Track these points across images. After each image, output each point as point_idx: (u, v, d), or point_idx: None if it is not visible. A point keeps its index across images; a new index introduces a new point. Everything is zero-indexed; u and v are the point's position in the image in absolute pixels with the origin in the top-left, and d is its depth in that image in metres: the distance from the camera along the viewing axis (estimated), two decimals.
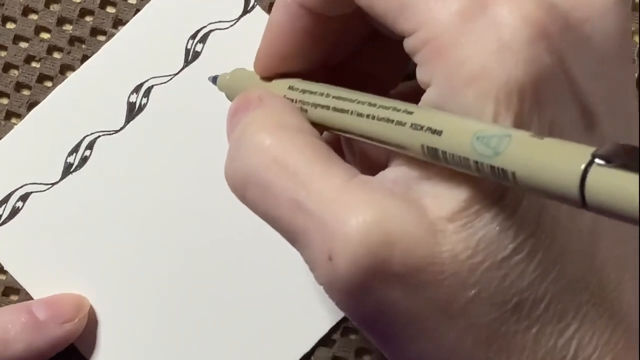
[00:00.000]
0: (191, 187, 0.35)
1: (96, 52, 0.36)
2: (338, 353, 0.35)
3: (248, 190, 0.22)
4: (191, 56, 0.35)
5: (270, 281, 0.34)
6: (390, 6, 0.21)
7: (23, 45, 0.36)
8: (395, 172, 0.20)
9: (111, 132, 0.35)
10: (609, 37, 0.21)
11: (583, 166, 0.16)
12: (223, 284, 0.35)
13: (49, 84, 0.36)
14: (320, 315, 0.34)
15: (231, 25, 0.35)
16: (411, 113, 0.20)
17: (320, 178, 0.20)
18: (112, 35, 0.36)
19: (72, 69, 0.36)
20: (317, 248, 0.19)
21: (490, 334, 0.19)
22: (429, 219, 0.19)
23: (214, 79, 0.29)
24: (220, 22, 0.35)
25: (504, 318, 0.19)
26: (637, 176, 0.15)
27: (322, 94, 0.23)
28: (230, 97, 0.28)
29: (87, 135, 0.35)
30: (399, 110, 0.20)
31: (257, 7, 0.35)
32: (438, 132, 0.19)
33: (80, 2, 0.36)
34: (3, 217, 0.35)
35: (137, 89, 0.35)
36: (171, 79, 0.35)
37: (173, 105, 0.35)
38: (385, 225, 0.19)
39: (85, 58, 0.36)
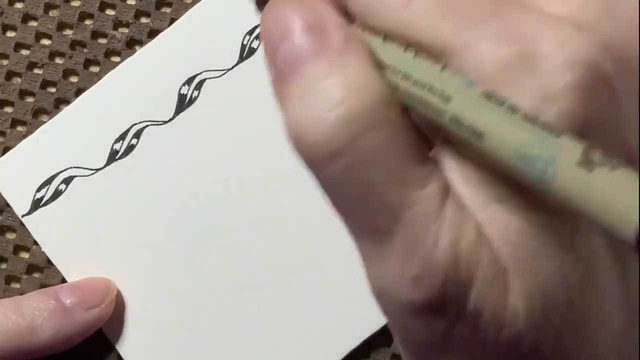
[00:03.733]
0: (234, 182, 0.35)
1: (98, 55, 0.36)
2: None
3: (330, 166, 0.19)
4: (247, 52, 0.35)
5: (308, 280, 0.34)
6: (425, 50, 0.19)
7: (24, 52, 0.36)
8: (472, 192, 0.19)
9: (159, 123, 0.35)
10: None
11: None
12: (256, 277, 0.34)
13: (52, 89, 0.36)
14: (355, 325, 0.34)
15: None
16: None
17: (422, 185, 0.19)
18: (113, 37, 0.36)
19: (75, 73, 0.36)
20: (393, 262, 0.19)
21: None
22: (501, 264, 0.18)
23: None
24: None
25: None
26: None
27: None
28: None
29: (135, 124, 0.35)
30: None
31: None
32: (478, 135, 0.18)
33: (79, 6, 0.36)
34: (45, 199, 0.35)
35: (189, 81, 0.35)
36: (224, 73, 0.35)
37: (224, 99, 0.35)
38: (471, 266, 0.18)
39: (87, 62, 0.36)
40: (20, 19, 0.36)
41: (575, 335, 0.19)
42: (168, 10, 0.36)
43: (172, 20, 0.36)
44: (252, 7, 0.35)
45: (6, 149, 0.36)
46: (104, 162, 0.35)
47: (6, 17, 0.36)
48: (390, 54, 0.19)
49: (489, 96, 0.18)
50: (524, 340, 0.18)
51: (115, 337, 0.35)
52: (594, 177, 0.16)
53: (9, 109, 0.36)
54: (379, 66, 0.19)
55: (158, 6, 0.36)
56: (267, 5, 0.20)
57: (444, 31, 0.19)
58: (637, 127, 0.19)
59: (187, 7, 0.36)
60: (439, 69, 0.19)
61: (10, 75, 0.36)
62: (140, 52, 0.35)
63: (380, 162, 0.18)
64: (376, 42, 0.20)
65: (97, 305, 0.33)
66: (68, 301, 0.33)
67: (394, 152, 0.18)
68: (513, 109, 0.18)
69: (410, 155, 0.19)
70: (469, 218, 0.19)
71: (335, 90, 0.18)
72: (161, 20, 0.36)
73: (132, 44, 0.36)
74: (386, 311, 0.20)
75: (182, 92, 0.35)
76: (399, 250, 0.18)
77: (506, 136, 0.17)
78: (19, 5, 0.36)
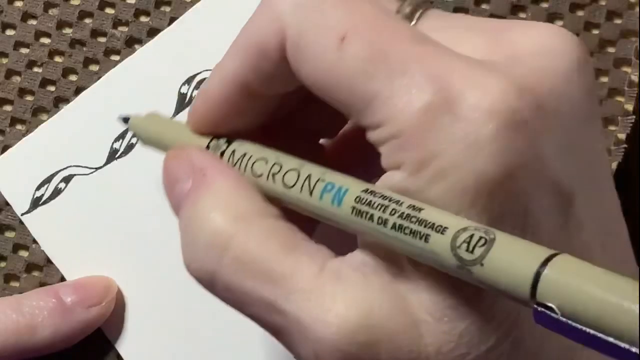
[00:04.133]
0: None
1: (98, 54, 0.36)
2: None
3: (216, 289, 0.21)
4: None
5: None
6: (353, 99, 0.20)
7: (24, 51, 0.36)
8: (365, 256, 0.20)
9: None
10: (576, 103, 0.20)
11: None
12: None
13: (52, 88, 0.36)
14: None
15: None
16: (406, 216, 0.19)
17: (290, 274, 0.20)
18: (113, 36, 0.36)
19: (75, 71, 0.36)
20: (301, 348, 0.20)
21: None
22: (410, 310, 0.19)
23: (124, 120, 0.27)
24: None
25: None
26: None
27: (277, 165, 0.22)
28: (145, 141, 0.27)
29: None
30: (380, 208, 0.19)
31: None
32: (424, 238, 0.18)
33: (78, 5, 0.36)
34: (44, 197, 0.35)
35: (189, 81, 0.35)
36: None
37: None
38: (369, 322, 0.19)
39: (87, 60, 0.36)
40: (19, 18, 0.36)
41: None
42: (168, 9, 0.36)
43: (172, 19, 0.36)
44: (250, 5, 0.35)
45: (5, 148, 0.35)
46: (104, 161, 0.35)
47: (6, 16, 0.36)
48: (264, 184, 0.22)
49: (359, 212, 0.19)
50: None
51: (115, 336, 0.34)
52: (475, 270, 0.17)
53: (8, 108, 0.36)
54: (249, 185, 0.22)
55: (158, 5, 0.36)
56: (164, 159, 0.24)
57: (375, 82, 0.19)
58: (565, 164, 0.20)
59: (186, 6, 0.36)
60: (309, 194, 0.20)
61: (9, 73, 0.36)
62: (140, 51, 0.35)
63: (246, 272, 0.20)
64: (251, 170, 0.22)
65: (97, 303, 0.33)
66: (68, 299, 0.33)
67: (256, 258, 0.20)
68: (384, 221, 0.19)
69: (273, 252, 0.20)
70: (358, 282, 0.19)
71: (200, 222, 0.21)
72: (161, 19, 0.36)
73: (132, 42, 0.36)
74: None
75: (182, 91, 0.35)
76: (296, 338, 0.19)
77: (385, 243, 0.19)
78: (18, 3, 0.36)
